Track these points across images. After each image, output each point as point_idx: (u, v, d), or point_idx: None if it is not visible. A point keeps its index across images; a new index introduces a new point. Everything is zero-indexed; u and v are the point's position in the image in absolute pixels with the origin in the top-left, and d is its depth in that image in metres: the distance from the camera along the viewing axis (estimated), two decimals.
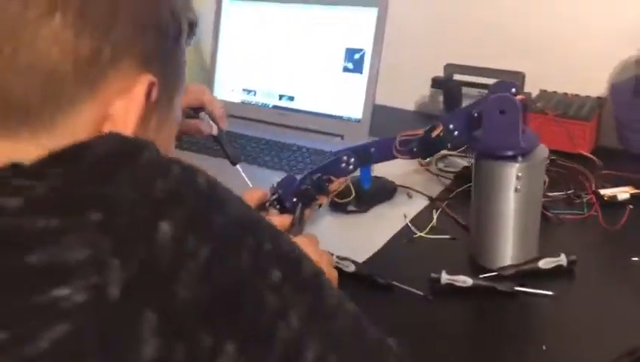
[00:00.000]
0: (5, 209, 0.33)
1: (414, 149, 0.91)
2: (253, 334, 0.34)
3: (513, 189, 0.87)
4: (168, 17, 0.49)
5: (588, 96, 1.31)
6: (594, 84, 1.33)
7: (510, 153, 0.86)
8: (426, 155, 0.94)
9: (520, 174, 0.86)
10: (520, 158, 0.86)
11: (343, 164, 0.97)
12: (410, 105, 1.59)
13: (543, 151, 0.89)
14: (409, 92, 1.57)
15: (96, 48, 0.43)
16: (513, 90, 0.87)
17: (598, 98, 1.32)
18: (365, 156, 0.97)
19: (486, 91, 1.37)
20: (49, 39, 0.42)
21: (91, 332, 0.30)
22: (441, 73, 1.42)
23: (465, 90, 1.40)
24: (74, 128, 0.44)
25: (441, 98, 1.47)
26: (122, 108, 0.45)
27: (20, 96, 0.42)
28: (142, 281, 0.32)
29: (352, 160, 0.96)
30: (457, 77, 1.41)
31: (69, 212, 0.33)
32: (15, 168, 0.37)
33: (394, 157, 0.94)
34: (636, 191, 1.11)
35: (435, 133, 0.88)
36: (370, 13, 1.32)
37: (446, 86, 1.41)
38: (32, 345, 0.30)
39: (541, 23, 1.37)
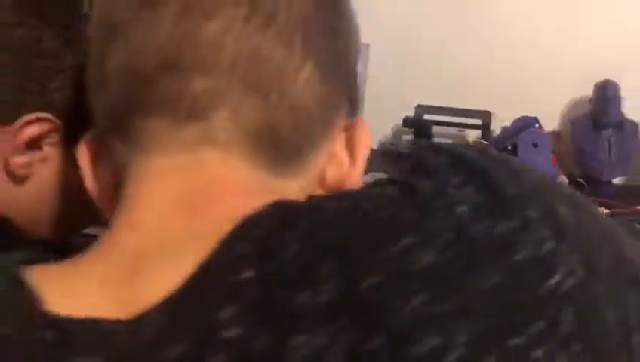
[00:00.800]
0: (456, 212, 0.38)
1: None
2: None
3: None
4: (353, 55, 0.54)
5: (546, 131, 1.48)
6: (549, 119, 1.50)
7: None
8: None
9: None
10: None
11: None
12: (373, 144, 1.68)
13: (562, 179, 1.01)
14: (377, 132, 1.67)
15: (330, 92, 0.48)
16: (537, 125, 0.99)
17: (554, 132, 1.48)
18: None
19: (455, 130, 1.52)
20: (303, 85, 0.45)
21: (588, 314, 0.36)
22: (410, 113, 1.53)
23: (435, 128, 1.52)
24: (314, 168, 0.48)
25: (408, 137, 1.58)
26: (343, 148, 0.49)
27: (286, 138, 0.45)
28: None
29: None
30: (427, 116, 1.53)
31: (508, 216, 0.38)
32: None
33: None
34: (606, 211, 1.27)
35: None
36: None
37: (417, 125, 1.52)
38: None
39: (503, 67, 1.54)
